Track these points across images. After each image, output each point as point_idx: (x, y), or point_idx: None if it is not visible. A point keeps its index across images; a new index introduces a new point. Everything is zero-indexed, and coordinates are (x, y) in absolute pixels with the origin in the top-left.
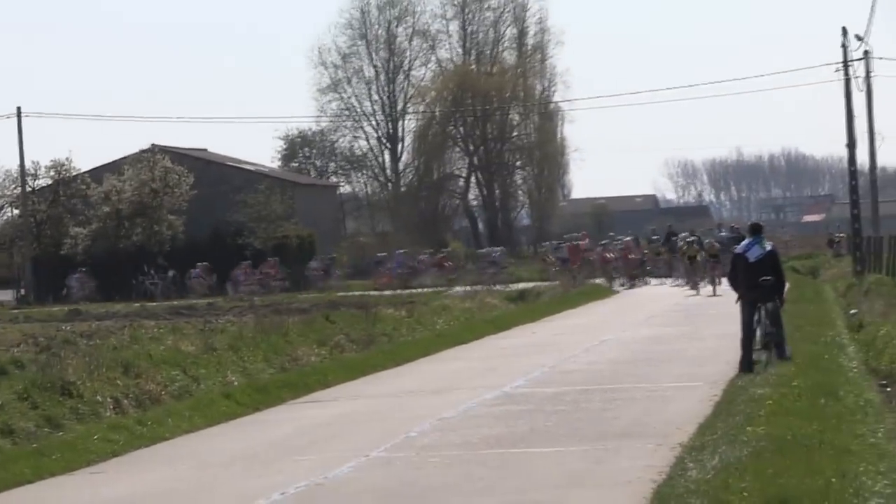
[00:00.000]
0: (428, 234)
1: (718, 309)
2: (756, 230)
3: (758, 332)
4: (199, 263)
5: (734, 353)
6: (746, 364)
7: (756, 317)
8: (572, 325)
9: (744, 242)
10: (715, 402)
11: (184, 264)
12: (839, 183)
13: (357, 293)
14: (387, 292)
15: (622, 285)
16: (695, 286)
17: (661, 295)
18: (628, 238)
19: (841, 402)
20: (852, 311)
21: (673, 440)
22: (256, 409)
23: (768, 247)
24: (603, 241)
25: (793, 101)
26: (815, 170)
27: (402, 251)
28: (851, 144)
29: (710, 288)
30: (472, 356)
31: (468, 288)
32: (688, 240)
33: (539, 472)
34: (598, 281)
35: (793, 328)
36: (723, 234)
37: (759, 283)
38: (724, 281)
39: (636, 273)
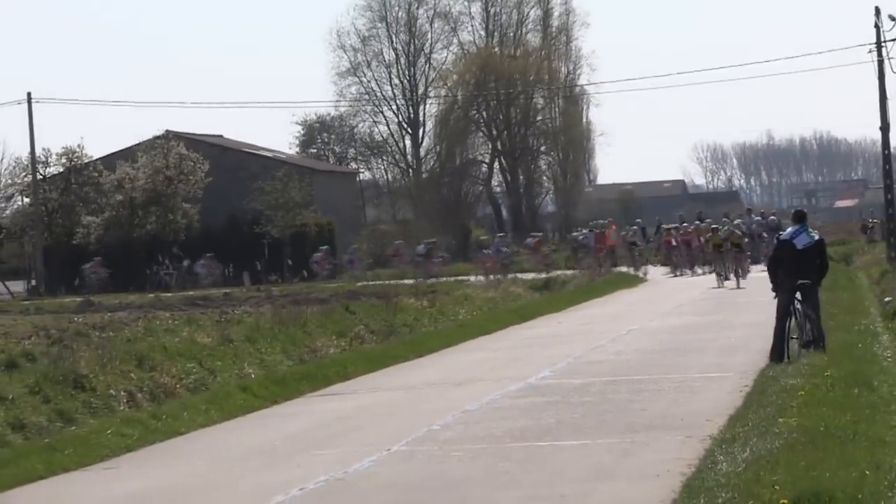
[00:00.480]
0: (450, 222)
1: (749, 298)
2: (801, 217)
3: (792, 321)
4: (205, 255)
5: (765, 342)
6: (778, 353)
7: (792, 307)
8: (598, 315)
9: (789, 230)
10: (745, 392)
11: (199, 254)
12: (872, 167)
13: (453, 278)
14: (408, 281)
15: (680, 274)
16: (719, 277)
17: (690, 284)
18: (693, 224)
19: (875, 392)
20: (887, 299)
21: (702, 432)
22: (274, 402)
23: (816, 236)
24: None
25: (825, 83)
26: (847, 154)
27: (501, 234)
28: (885, 127)
29: (733, 280)
30: (496, 346)
31: (490, 277)
32: (712, 226)
33: (565, 465)
34: (624, 269)
35: (826, 316)
36: (756, 219)
37: (801, 275)
38: (751, 272)
39: (701, 259)
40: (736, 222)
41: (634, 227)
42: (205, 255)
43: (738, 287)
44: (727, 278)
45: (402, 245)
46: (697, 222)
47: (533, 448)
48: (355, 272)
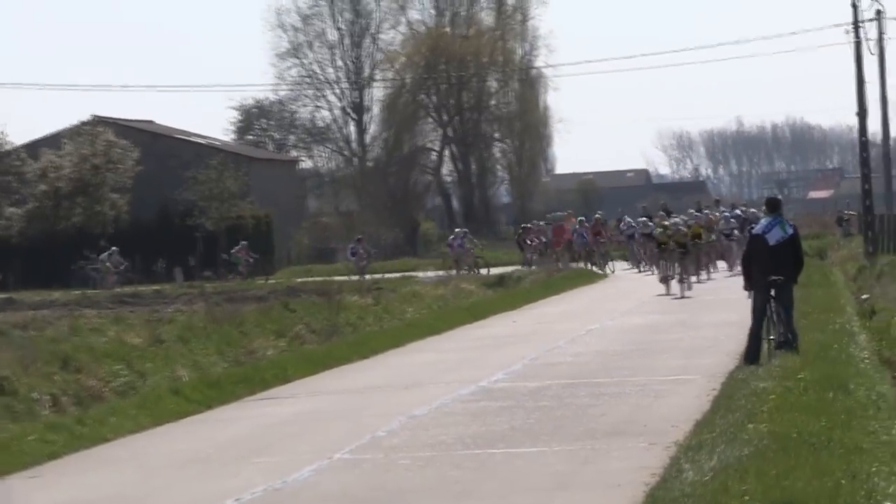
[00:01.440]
0: (398, 214)
1: (717, 295)
2: (774, 206)
3: (765, 323)
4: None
5: (734, 342)
6: (752, 355)
7: (768, 305)
8: (556, 313)
9: (762, 222)
10: (713, 396)
11: (129, 247)
12: (849, 155)
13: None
14: (354, 277)
15: (645, 271)
16: (665, 281)
17: (655, 281)
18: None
19: (851, 396)
20: (864, 297)
21: (667, 439)
22: (208, 407)
23: (790, 230)
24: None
25: (798, 66)
26: (822, 141)
27: (464, 230)
28: (862, 113)
29: (676, 285)
30: (446, 347)
31: (440, 273)
32: (663, 222)
33: (520, 474)
34: (582, 265)
35: (799, 315)
36: (726, 213)
37: (776, 273)
38: (715, 272)
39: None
40: (674, 223)
41: (628, 219)
42: (110, 249)
43: (683, 296)
44: (680, 279)
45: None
46: (662, 213)
47: (485, 456)
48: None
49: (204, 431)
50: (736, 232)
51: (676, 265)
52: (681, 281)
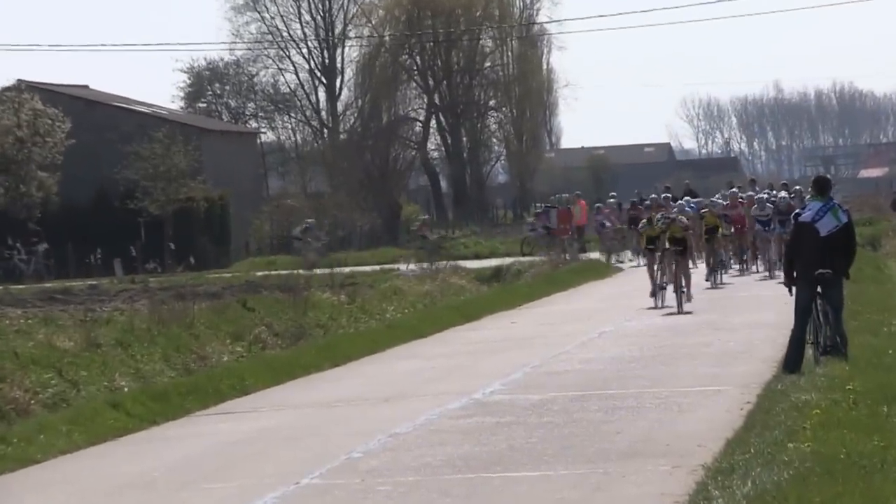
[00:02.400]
0: (375, 195)
1: (751, 291)
2: (824, 188)
3: (811, 326)
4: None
5: (773, 347)
6: (793, 362)
7: (814, 305)
8: (563, 313)
9: (810, 207)
10: (747, 411)
11: (59, 235)
12: None
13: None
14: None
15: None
16: (656, 294)
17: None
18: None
19: None
20: None
21: (693, 461)
22: (153, 423)
23: (844, 217)
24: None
25: (846, 21)
26: (874, 111)
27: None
28: None
29: (672, 294)
30: (433, 353)
31: (424, 265)
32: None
33: (520, 502)
34: (594, 256)
35: (848, 315)
36: (762, 194)
37: (823, 266)
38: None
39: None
40: (675, 213)
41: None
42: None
43: (681, 311)
44: (676, 287)
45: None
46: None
47: (479, 481)
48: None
49: (148, 452)
50: (773, 223)
51: (670, 270)
52: (677, 291)
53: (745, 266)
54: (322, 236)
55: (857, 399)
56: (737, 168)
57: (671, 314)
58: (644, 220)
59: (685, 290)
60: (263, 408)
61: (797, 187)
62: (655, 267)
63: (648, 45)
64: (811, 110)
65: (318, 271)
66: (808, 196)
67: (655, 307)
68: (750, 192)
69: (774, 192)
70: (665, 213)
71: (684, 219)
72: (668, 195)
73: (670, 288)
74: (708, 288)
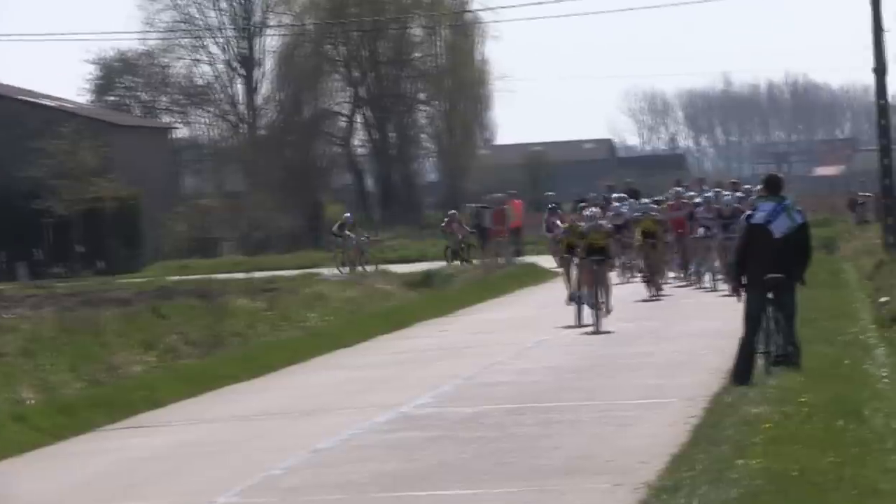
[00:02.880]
0: (297, 194)
1: (697, 298)
2: (775, 186)
3: (762, 334)
4: None
5: (720, 357)
6: (743, 372)
7: (764, 312)
8: (497, 321)
9: (762, 208)
10: (693, 425)
11: None
12: (864, 123)
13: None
14: (239, 275)
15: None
16: (576, 303)
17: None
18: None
19: (866, 424)
20: (882, 300)
21: (635, 478)
22: (59, 438)
23: (799, 218)
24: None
25: (801, 11)
26: (830, 105)
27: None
28: (881, 69)
29: (585, 312)
30: (359, 364)
31: (347, 270)
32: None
33: None
34: (531, 259)
35: (802, 322)
36: (711, 194)
37: (775, 270)
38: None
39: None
40: (590, 215)
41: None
42: None
43: (598, 330)
44: (594, 301)
45: None
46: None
47: (407, 499)
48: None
49: (53, 468)
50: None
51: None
52: (595, 305)
53: (689, 276)
54: (363, 231)
55: (811, 412)
56: (683, 166)
57: (618, 321)
58: (565, 225)
59: (604, 303)
60: (177, 421)
61: (747, 186)
62: (573, 275)
63: (588, 34)
64: (762, 104)
65: (363, 268)
66: (754, 196)
67: (577, 325)
68: (693, 193)
69: (726, 192)
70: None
71: (606, 223)
72: (617, 194)
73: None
74: (648, 299)
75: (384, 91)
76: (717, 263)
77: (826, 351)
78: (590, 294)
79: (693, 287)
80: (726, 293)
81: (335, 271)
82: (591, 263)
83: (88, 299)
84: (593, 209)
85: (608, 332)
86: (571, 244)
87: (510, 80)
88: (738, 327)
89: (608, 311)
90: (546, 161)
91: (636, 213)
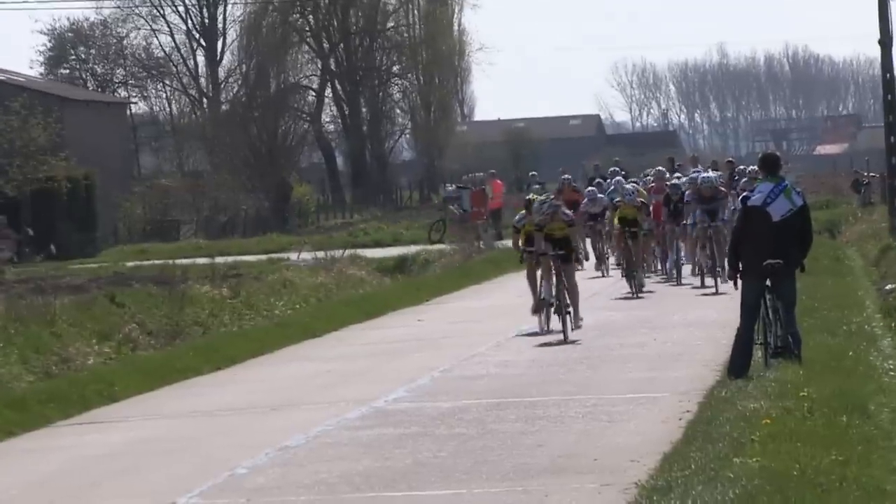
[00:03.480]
0: (262, 174)
1: (693, 282)
2: (773, 166)
3: (760, 324)
4: None
5: (715, 348)
6: (740, 365)
7: (763, 300)
8: (477, 309)
9: (760, 189)
10: (687, 421)
11: None
12: (869, 98)
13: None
14: (201, 260)
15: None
16: (540, 310)
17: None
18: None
19: (871, 420)
20: (888, 287)
21: (625, 478)
22: (10, 434)
23: (799, 200)
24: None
25: None
26: (832, 79)
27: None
28: (887, 41)
29: (555, 320)
30: (329, 355)
31: (317, 255)
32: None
33: None
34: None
35: (802, 312)
36: (696, 174)
37: (774, 256)
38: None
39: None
40: (703, 176)
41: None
42: None
43: (566, 340)
44: (556, 304)
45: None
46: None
47: (382, 501)
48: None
49: (4, 467)
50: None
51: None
52: (559, 310)
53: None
54: (15, 235)
55: (812, 407)
56: (676, 143)
57: (606, 310)
58: (521, 211)
59: (570, 310)
60: (135, 417)
61: (741, 167)
62: (538, 274)
63: (575, 2)
64: (760, 78)
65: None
66: (746, 179)
67: (542, 332)
68: (693, 172)
69: (718, 172)
70: (553, 200)
71: (567, 210)
72: (616, 173)
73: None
74: (626, 296)
75: (355, 64)
76: (682, 253)
77: (828, 342)
78: (549, 289)
79: (671, 283)
80: (700, 289)
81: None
82: (552, 260)
83: (39, 286)
84: (592, 189)
85: (574, 342)
86: (529, 234)
87: (490, 52)
88: (734, 317)
89: (576, 324)
90: (529, 138)
91: (619, 198)
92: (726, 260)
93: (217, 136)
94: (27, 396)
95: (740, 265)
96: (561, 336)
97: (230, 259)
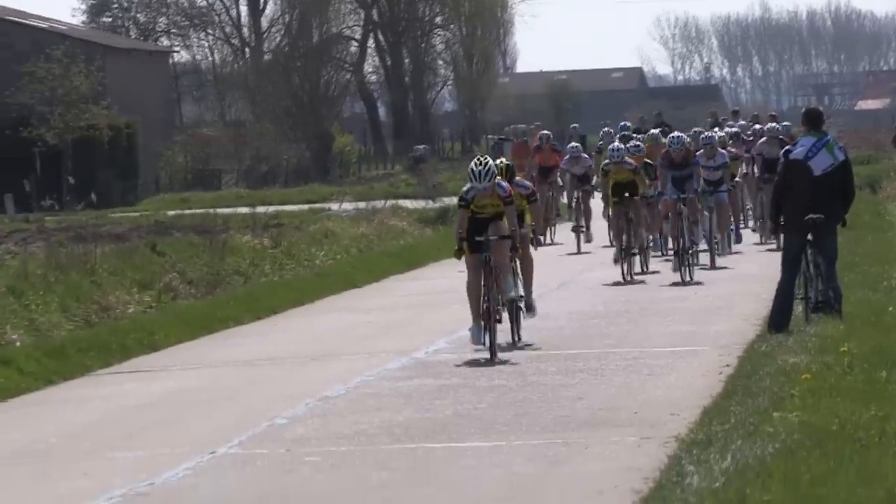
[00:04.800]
0: (304, 124)
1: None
2: (816, 121)
3: (801, 279)
4: None
5: (756, 303)
6: (780, 319)
7: (804, 254)
8: None
9: (801, 143)
10: (727, 375)
11: None
12: None
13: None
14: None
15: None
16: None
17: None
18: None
19: None
20: None
21: (665, 431)
22: (49, 382)
23: (840, 155)
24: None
25: None
26: (874, 34)
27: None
28: None
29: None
30: (370, 306)
31: (358, 205)
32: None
33: (467, 477)
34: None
35: (843, 266)
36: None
37: (815, 211)
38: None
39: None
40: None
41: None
42: None
43: (515, 344)
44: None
45: None
46: (655, 131)
47: (421, 452)
48: None
49: (43, 415)
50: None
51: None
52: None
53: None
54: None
55: (852, 362)
56: (718, 97)
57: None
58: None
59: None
60: (175, 366)
61: (778, 125)
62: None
63: None
64: (802, 32)
65: None
66: (752, 135)
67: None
68: (731, 126)
69: (759, 126)
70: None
71: (504, 184)
72: (659, 127)
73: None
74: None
75: (398, 14)
76: (648, 236)
77: (869, 297)
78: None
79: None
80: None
81: (346, 206)
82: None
83: (80, 234)
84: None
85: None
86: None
87: (533, 4)
88: (775, 271)
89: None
90: (571, 90)
91: (608, 161)
92: (768, 215)
93: (259, 86)
94: (67, 345)
95: (781, 219)
96: (602, 287)
97: (271, 209)
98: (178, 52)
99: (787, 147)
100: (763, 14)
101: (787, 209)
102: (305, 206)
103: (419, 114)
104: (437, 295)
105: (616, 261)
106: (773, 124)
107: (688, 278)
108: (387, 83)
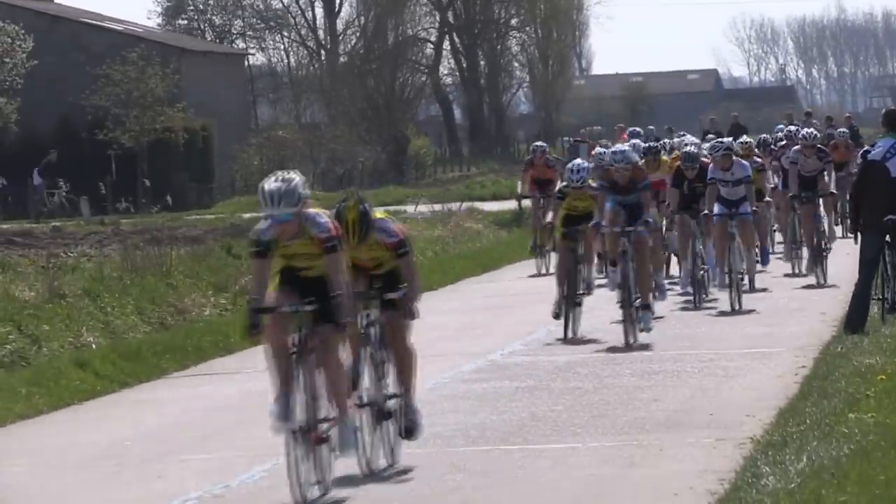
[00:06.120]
0: (380, 126)
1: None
2: (894, 121)
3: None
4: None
5: (832, 303)
6: (857, 320)
7: (882, 256)
8: None
9: (880, 144)
10: (802, 376)
11: (18, 169)
12: None
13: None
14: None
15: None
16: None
17: None
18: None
19: None
20: None
21: (740, 433)
22: (124, 385)
23: None
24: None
25: None
26: None
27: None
28: None
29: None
30: (445, 308)
31: (434, 207)
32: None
33: (543, 479)
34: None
35: None
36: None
37: (894, 214)
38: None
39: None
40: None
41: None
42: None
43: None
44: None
45: None
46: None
47: (497, 454)
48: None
49: (118, 417)
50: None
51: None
52: (565, 315)
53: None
54: (62, 184)
55: None
56: (793, 99)
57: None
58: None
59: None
60: (250, 369)
61: (842, 129)
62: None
63: None
64: (878, 33)
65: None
66: (815, 138)
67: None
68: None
69: (842, 129)
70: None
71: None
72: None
73: None
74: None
75: (474, 16)
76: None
77: None
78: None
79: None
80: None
81: (422, 209)
82: (564, 248)
83: (156, 237)
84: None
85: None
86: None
87: (608, 6)
88: (853, 272)
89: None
90: (647, 93)
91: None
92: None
93: (334, 88)
94: (142, 347)
95: (860, 220)
96: (679, 290)
97: (35, 225)
98: (253, 54)
99: (866, 148)
100: (839, 15)
101: (864, 210)
102: (381, 209)
103: (495, 116)
104: (512, 297)
105: (556, 315)
106: (810, 130)
107: (737, 306)
108: (462, 85)
